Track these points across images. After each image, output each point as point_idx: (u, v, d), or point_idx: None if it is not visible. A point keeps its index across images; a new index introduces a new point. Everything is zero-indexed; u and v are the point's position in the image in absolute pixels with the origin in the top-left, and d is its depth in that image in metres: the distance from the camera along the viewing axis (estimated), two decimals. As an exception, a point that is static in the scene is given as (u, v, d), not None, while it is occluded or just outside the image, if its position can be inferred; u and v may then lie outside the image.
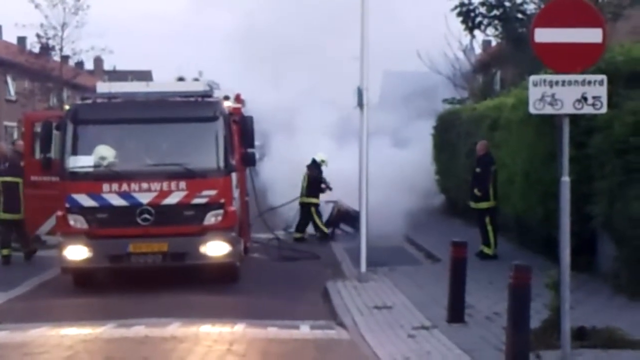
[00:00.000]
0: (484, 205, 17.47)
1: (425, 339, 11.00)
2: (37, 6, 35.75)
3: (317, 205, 22.37)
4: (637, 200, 12.25)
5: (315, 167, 22.46)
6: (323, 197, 22.76)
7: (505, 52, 26.07)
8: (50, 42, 36.85)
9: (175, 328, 12.00)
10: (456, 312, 11.91)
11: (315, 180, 22.32)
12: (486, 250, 17.40)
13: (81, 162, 15.36)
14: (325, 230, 22.23)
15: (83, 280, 15.71)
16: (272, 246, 20.31)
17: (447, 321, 11.84)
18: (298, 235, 22.14)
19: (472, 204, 17.85)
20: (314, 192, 22.38)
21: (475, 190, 17.60)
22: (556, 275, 9.75)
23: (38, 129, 17.29)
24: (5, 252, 18.44)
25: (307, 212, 22.32)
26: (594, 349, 9.92)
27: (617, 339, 10.17)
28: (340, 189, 21.92)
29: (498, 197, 17.42)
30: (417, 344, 10.80)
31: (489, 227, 17.48)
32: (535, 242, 16.51)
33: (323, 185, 22.43)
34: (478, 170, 17.74)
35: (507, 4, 23.44)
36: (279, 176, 24.24)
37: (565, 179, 9.44)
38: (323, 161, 22.68)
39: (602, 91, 9.38)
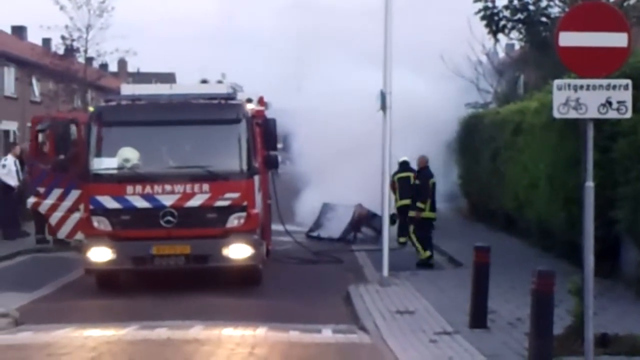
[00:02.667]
0: (424, 214, 18.06)
1: (448, 344, 10.96)
2: (62, 8, 35.88)
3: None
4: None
5: (411, 169, 21.04)
6: (345, 200, 22.74)
7: (529, 55, 25.96)
8: (75, 44, 36.98)
9: (197, 331, 12.03)
10: (478, 318, 11.86)
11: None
12: (421, 256, 17.94)
13: (105, 164, 15.43)
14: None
15: (106, 282, 15.77)
16: (294, 250, 20.33)
17: (470, 326, 11.79)
18: (403, 239, 20.89)
19: (411, 213, 18.50)
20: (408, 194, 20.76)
21: (418, 203, 18.12)
22: (579, 281, 9.69)
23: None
24: None
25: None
26: (617, 356, 9.86)
27: (640, 345, 10.11)
28: (362, 193, 21.92)
29: (435, 209, 18.29)
30: (439, 349, 10.77)
31: (413, 236, 18.15)
32: (559, 247, 16.45)
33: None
34: (417, 182, 18.52)
35: (531, 7, 23.33)
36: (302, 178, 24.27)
37: (590, 184, 9.39)
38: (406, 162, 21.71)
39: (627, 96, 9.32)
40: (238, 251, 15.19)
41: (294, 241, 20.85)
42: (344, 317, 13.42)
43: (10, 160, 22.49)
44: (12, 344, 11.57)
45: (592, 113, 9.33)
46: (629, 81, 9.36)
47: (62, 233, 16.76)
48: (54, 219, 16.85)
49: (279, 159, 18.89)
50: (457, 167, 26.33)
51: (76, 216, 16.07)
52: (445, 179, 25.57)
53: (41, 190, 17.27)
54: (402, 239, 20.97)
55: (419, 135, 23.82)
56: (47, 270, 17.88)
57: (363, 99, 18.44)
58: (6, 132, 43.57)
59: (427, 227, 18.22)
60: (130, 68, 69.41)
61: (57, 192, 16.87)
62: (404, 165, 21.53)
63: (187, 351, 10.98)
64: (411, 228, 18.35)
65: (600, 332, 10.05)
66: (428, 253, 18.12)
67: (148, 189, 15.11)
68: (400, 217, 20.80)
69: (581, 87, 9.31)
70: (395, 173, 21.03)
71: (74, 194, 16.37)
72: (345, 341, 11.73)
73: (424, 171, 18.47)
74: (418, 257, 18.08)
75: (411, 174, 20.38)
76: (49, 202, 16.91)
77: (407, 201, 19.99)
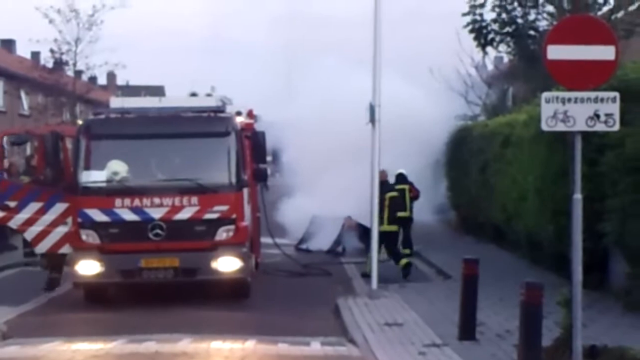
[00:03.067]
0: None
1: (436, 357, 10.96)
2: (51, 21, 35.94)
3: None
4: (650, 218, 12.23)
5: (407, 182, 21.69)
6: (334, 212, 22.72)
7: (517, 68, 26.05)
8: (64, 57, 36.99)
9: (186, 344, 12.00)
10: (467, 330, 11.86)
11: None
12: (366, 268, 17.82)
13: (94, 177, 15.40)
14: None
15: (94, 295, 15.73)
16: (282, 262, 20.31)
17: (458, 338, 11.79)
18: (408, 250, 21.09)
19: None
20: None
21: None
22: (568, 293, 9.71)
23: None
24: None
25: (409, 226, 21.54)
26: (606, 368, 9.88)
27: (629, 357, 10.10)
28: (351, 205, 21.90)
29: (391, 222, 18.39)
30: (428, 361, 10.77)
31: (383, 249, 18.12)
32: (547, 259, 16.47)
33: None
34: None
35: (519, 21, 23.41)
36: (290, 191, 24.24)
37: (578, 196, 9.42)
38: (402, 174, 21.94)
39: (615, 108, 9.37)
40: (227, 264, 15.17)
41: (282, 254, 20.82)
42: (333, 329, 13.40)
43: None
44: (0, 358, 11.52)
45: (580, 126, 9.38)
46: (616, 94, 9.42)
47: (42, 248, 16.31)
48: (30, 233, 16.39)
49: (268, 171, 18.88)
50: (446, 179, 26.34)
51: (60, 230, 15.76)
52: (435, 192, 25.63)
53: (12, 204, 16.71)
54: (407, 250, 21.06)
55: (407, 148, 23.88)
56: (35, 284, 17.79)
57: (352, 110, 18.47)
58: (-6, 146, 43.41)
59: (389, 240, 18.34)
60: (120, 81, 69.35)
61: (34, 206, 16.50)
62: (400, 177, 21.61)
63: (175, 364, 10.96)
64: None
65: (589, 344, 10.06)
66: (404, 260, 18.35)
67: (137, 202, 15.09)
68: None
69: (569, 99, 9.36)
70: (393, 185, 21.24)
71: (58, 207, 16.05)
72: (334, 354, 11.71)
73: (381, 186, 18.13)
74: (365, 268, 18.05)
75: (407, 187, 21.01)
76: (23, 216, 16.46)
77: (405, 213, 20.48)
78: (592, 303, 12.93)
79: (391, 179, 19.99)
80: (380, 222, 17.77)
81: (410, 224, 21.37)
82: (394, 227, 18.64)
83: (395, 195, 18.96)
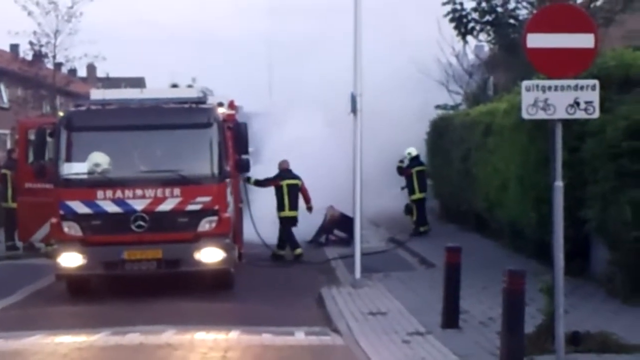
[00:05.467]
0: (280, 214, 20.19)
1: (420, 345, 11.01)
2: (29, 13, 35.59)
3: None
4: (630, 205, 12.29)
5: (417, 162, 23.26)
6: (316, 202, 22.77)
7: (498, 57, 26.10)
8: (43, 50, 36.69)
9: (170, 335, 11.99)
10: (451, 318, 11.93)
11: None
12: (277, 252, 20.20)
13: (75, 169, 15.34)
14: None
15: (77, 288, 15.69)
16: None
17: (442, 327, 11.85)
18: (423, 228, 22.91)
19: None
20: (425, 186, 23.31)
21: None
22: (550, 280, 9.77)
23: (32, 136, 17.26)
24: None
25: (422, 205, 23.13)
26: (588, 354, 9.95)
27: (611, 343, 10.20)
28: (333, 194, 21.92)
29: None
30: (411, 349, 10.81)
31: (282, 234, 20.22)
32: (529, 247, 16.55)
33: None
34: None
35: (499, 9, 23.45)
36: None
37: (559, 183, 9.47)
38: (410, 154, 23.38)
39: (595, 96, 9.42)
40: (210, 255, 15.16)
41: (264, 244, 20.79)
42: (317, 319, 13.43)
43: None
44: (-17, 352, 11.48)
45: (561, 113, 9.42)
46: (596, 81, 9.46)
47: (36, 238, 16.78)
48: None
49: (250, 162, 18.86)
50: (428, 168, 26.38)
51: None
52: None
53: None
54: (422, 228, 22.80)
55: (389, 137, 23.94)
56: (17, 277, 17.75)
57: (332, 100, 18.51)
58: (-25, 139, 43.19)
59: (287, 226, 20.14)
60: (100, 73, 68.80)
61: None
62: (418, 159, 23.28)
63: (159, 356, 10.96)
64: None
65: (571, 330, 10.14)
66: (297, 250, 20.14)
67: (119, 194, 15.04)
68: (419, 208, 22.84)
69: (549, 88, 9.39)
70: (411, 166, 22.96)
71: None
72: (318, 343, 11.75)
73: (281, 174, 20.30)
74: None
75: (425, 168, 23.11)
76: None
77: (424, 194, 22.80)
78: (574, 290, 13.01)
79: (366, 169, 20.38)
80: (282, 209, 19.88)
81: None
82: (294, 213, 20.15)
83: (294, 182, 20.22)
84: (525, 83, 9.52)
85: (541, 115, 9.45)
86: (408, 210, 23.39)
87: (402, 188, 23.63)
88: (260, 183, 20.39)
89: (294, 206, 20.18)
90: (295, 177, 20.39)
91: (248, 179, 20.17)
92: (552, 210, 9.55)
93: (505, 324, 9.55)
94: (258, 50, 28.63)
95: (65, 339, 12.03)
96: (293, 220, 20.31)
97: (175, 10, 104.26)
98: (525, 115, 9.56)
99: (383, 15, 25.65)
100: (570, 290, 12.05)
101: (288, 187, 20.10)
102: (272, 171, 20.67)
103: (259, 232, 20.40)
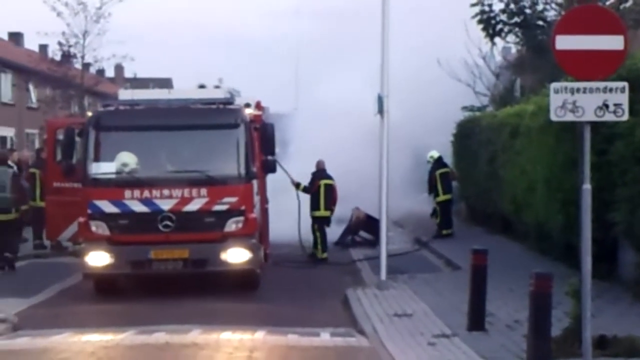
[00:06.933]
0: (315, 214, 20.21)
1: (446, 347, 10.98)
2: (59, 14, 35.94)
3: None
4: (659, 208, 12.22)
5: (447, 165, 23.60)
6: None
7: (525, 59, 26.00)
8: (72, 50, 37.02)
9: (196, 335, 12.04)
10: (477, 320, 11.88)
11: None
12: (319, 255, 19.97)
13: (103, 169, 15.43)
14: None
15: (104, 287, 15.77)
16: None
17: (468, 329, 11.81)
18: (446, 231, 22.81)
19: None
20: (450, 188, 23.37)
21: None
22: (577, 283, 9.71)
23: (60, 135, 17.38)
24: None
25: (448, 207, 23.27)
26: (615, 358, 9.87)
27: (638, 347, 10.12)
28: (359, 196, 21.92)
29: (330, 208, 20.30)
30: (437, 352, 10.79)
31: (318, 234, 20.11)
32: (556, 249, 16.46)
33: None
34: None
35: (527, 11, 23.39)
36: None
37: (587, 186, 9.41)
38: (432, 157, 23.48)
39: (624, 98, 9.35)
40: (236, 255, 15.20)
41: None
42: (342, 320, 13.43)
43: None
44: (11, 349, 11.57)
45: (589, 116, 9.36)
46: (625, 84, 9.39)
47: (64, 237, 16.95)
48: None
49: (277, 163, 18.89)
50: (455, 170, 26.31)
51: None
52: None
53: None
54: (445, 231, 22.72)
55: (415, 138, 23.92)
56: (44, 275, 17.87)
57: (361, 101, 18.48)
58: (3, 139, 43.56)
59: (321, 226, 20.17)
60: (127, 73, 69.37)
61: None
62: (441, 161, 23.33)
63: (185, 355, 11.00)
64: (315, 226, 20.24)
65: (598, 334, 10.08)
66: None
67: (146, 194, 15.12)
68: (443, 211, 22.87)
69: (578, 90, 9.34)
70: (434, 169, 23.03)
71: None
72: (343, 344, 11.74)
73: (318, 174, 20.39)
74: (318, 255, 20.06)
75: (449, 169, 23.25)
76: None
77: (449, 196, 22.78)
78: (601, 293, 12.94)
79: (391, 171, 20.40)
80: (317, 208, 19.87)
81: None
82: (327, 213, 20.24)
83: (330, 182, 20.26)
84: (553, 85, 9.47)
85: (570, 117, 9.40)
86: (435, 213, 23.36)
87: (429, 194, 23.62)
88: (306, 189, 20.29)
89: (328, 206, 20.24)
90: (330, 177, 20.41)
91: (297, 186, 20.27)
92: (579, 213, 9.49)
93: (532, 327, 9.51)
94: (285, 52, 28.63)
95: (92, 338, 12.11)
96: (327, 220, 20.36)
97: (203, 11, 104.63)
98: (553, 118, 9.51)
99: (410, 16, 25.63)
100: (598, 293, 11.98)
101: (325, 187, 20.14)
102: (297, 172, 20.68)
103: (301, 237, 20.49)
